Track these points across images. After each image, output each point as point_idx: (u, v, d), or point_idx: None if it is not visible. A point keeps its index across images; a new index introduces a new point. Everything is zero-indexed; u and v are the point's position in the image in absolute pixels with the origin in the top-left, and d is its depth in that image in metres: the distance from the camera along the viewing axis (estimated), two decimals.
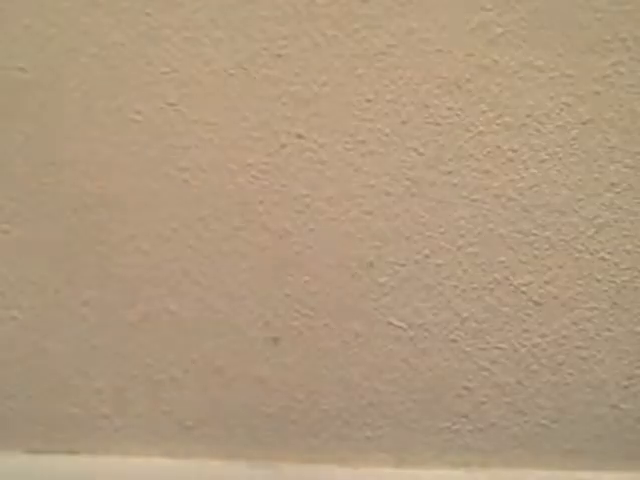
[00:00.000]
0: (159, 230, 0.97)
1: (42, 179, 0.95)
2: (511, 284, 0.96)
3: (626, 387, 0.97)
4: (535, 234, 0.94)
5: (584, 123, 0.92)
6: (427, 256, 0.96)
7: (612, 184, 0.93)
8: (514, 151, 0.93)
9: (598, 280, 0.95)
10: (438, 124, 0.93)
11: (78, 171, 0.95)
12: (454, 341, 0.97)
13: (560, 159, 0.93)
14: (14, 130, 0.95)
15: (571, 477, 0.99)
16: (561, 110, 0.91)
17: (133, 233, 0.97)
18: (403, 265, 0.96)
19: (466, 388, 0.98)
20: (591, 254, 0.94)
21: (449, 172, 0.93)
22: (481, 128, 0.92)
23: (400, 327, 0.97)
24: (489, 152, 0.93)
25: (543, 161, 0.93)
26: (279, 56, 0.92)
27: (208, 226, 0.96)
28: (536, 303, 0.96)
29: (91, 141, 0.94)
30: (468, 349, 0.97)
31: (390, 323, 0.97)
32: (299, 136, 0.93)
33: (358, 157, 0.94)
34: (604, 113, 0.91)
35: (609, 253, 0.95)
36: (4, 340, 1.00)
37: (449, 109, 0.92)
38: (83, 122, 0.94)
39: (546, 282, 0.95)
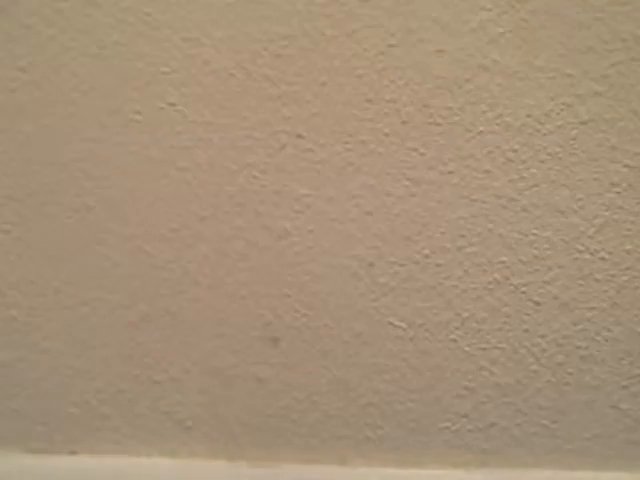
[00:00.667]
0: (159, 230, 0.97)
1: (42, 179, 0.95)
2: (511, 284, 0.96)
3: (626, 387, 0.97)
4: (535, 234, 0.94)
5: (584, 123, 0.92)
6: (427, 256, 0.96)
7: (612, 184, 0.93)
8: (514, 151, 0.93)
9: (598, 280, 0.95)
10: (438, 124, 0.93)
11: (78, 171, 0.95)
12: (454, 341, 0.97)
13: (560, 159, 0.93)
14: (14, 130, 0.95)
15: (571, 477, 0.99)
16: (561, 110, 0.91)
17: (133, 233, 0.97)
18: (403, 265, 0.96)
19: (466, 388, 0.98)
20: (591, 254, 0.94)
21: (449, 172, 0.94)
22: (481, 128, 0.93)
23: (400, 327, 0.97)
24: (489, 152, 0.93)
25: (543, 161, 0.93)
26: (279, 56, 0.92)
27: (208, 226, 0.96)
28: (536, 303, 0.96)
29: (91, 141, 0.95)
30: (468, 349, 0.97)
31: (390, 323, 0.97)
32: (299, 136, 0.93)
33: (358, 157, 0.94)
34: (604, 113, 0.91)
35: (609, 253, 0.95)
36: (4, 340, 1.00)
37: (449, 109, 0.92)
38: (83, 122, 0.94)
39: (546, 282, 0.95)
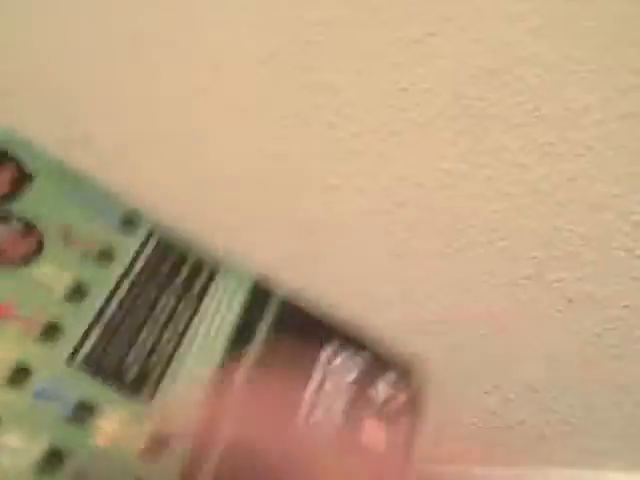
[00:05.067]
0: None
1: None
2: (544, 280, 0.94)
3: None
4: (569, 230, 0.93)
5: (623, 117, 0.89)
6: (458, 249, 0.94)
7: None
8: (550, 144, 0.91)
9: (633, 278, 0.93)
10: (473, 115, 0.91)
11: None
12: (484, 336, 0.96)
13: (598, 153, 0.90)
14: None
15: (599, 477, 0.98)
16: (600, 104, 0.89)
17: None
18: (433, 258, 0.95)
19: (495, 385, 0.97)
20: (626, 251, 0.93)
21: (483, 165, 0.92)
22: (517, 120, 0.90)
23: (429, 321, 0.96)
24: (525, 145, 0.91)
25: (579, 155, 0.91)
26: (311, 43, 0.90)
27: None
28: (569, 300, 0.94)
29: None
30: (498, 344, 0.96)
31: None
32: (331, 125, 0.92)
33: (390, 147, 0.92)
34: None
35: None
36: None
37: (485, 100, 0.90)
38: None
39: (579, 279, 0.94)
